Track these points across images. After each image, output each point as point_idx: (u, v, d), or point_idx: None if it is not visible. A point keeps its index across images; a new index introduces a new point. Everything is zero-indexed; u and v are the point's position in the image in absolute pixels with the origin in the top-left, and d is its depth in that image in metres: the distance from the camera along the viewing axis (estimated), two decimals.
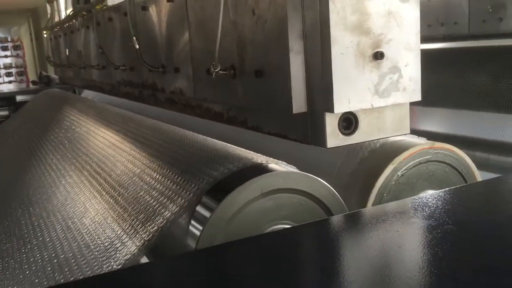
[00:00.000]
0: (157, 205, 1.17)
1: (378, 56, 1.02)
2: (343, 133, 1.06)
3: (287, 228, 1.05)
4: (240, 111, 1.37)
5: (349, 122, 1.06)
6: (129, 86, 2.24)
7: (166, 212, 1.12)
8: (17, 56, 7.70)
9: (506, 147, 2.89)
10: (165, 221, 1.09)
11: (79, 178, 1.75)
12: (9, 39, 7.66)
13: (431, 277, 0.67)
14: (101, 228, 1.30)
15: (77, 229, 1.37)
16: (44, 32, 4.40)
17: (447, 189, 1.06)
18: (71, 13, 2.95)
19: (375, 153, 1.25)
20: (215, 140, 1.42)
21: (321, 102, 1.03)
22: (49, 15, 4.16)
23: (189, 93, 1.60)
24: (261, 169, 1.09)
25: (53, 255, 1.28)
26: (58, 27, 3.62)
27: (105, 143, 1.83)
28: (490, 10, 4.11)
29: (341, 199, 1.11)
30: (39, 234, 1.46)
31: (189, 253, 1.01)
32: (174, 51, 1.65)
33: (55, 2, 4.16)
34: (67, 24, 3.36)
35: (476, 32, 4.25)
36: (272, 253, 0.85)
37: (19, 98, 4.63)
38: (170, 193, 1.17)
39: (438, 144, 1.24)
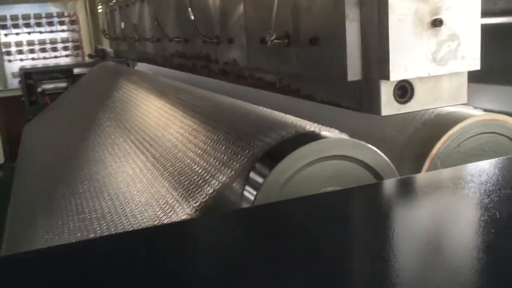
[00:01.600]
0: (212, 170, 1.21)
1: (437, 23, 1.00)
2: (398, 101, 1.06)
3: (339, 189, 1.07)
4: (293, 80, 1.39)
5: (404, 90, 1.06)
6: (182, 58, 2.29)
7: (221, 176, 1.16)
8: (73, 30, 7.96)
9: None
10: (220, 185, 1.14)
11: (135, 146, 1.82)
12: (65, 14, 7.94)
13: (481, 244, 0.68)
14: (159, 191, 1.37)
15: (135, 191, 1.45)
16: (100, 6, 4.51)
17: (505, 157, 1.04)
18: None
19: (430, 123, 1.24)
20: (267, 109, 1.45)
21: (376, 69, 1.03)
22: None
23: (242, 63, 1.62)
24: (314, 136, 1.10)
25: (114, 211, 1.36)
26: (114, 0, 3.71)
27: (160, 113, 1.89)
28: None
29: (394, 167, 1.11)
30: (100, 194, 1.55)
31: (239, 210, 1.04)
32: (228, 21, 1.68)
33: None
34: None
35: None
36: (322, 211, 0.88)
37: (76, 70, 4.79)
38: (225, 158, 1.21)
39: (494, 116, 1.22)
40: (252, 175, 1.10)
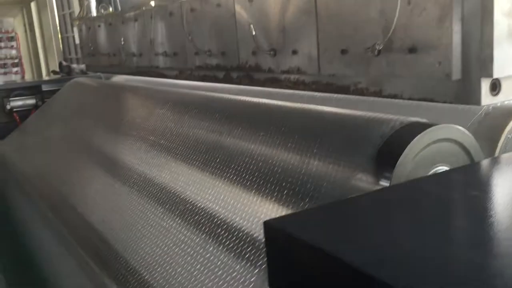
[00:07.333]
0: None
1: None
2: (491, 94, 1.38)
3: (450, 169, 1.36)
4: (372, 83, 1.67)
5: (494, 86, 1.38)
6: (216, 70, 2.50)
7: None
8: (11, 47, 7.70)
9: None
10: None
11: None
12: (3, 31, 7.64)
13: None
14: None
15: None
16: (77, 22, 4.54)
17: None
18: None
19: (491, 114, 1.57)
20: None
21: (478, 70, 1.35)
22: (81, 7, 4.33)
23: (310, 71, 1.88)
24: (424, 125, 1.39)
25: None
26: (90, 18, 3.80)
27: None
28: None
29: (479, 146, 1.43)
30: None
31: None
32: (292, 35, 1.93)
33: None
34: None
35: None
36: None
37: (45, 87, 4.75)
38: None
39: None
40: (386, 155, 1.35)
